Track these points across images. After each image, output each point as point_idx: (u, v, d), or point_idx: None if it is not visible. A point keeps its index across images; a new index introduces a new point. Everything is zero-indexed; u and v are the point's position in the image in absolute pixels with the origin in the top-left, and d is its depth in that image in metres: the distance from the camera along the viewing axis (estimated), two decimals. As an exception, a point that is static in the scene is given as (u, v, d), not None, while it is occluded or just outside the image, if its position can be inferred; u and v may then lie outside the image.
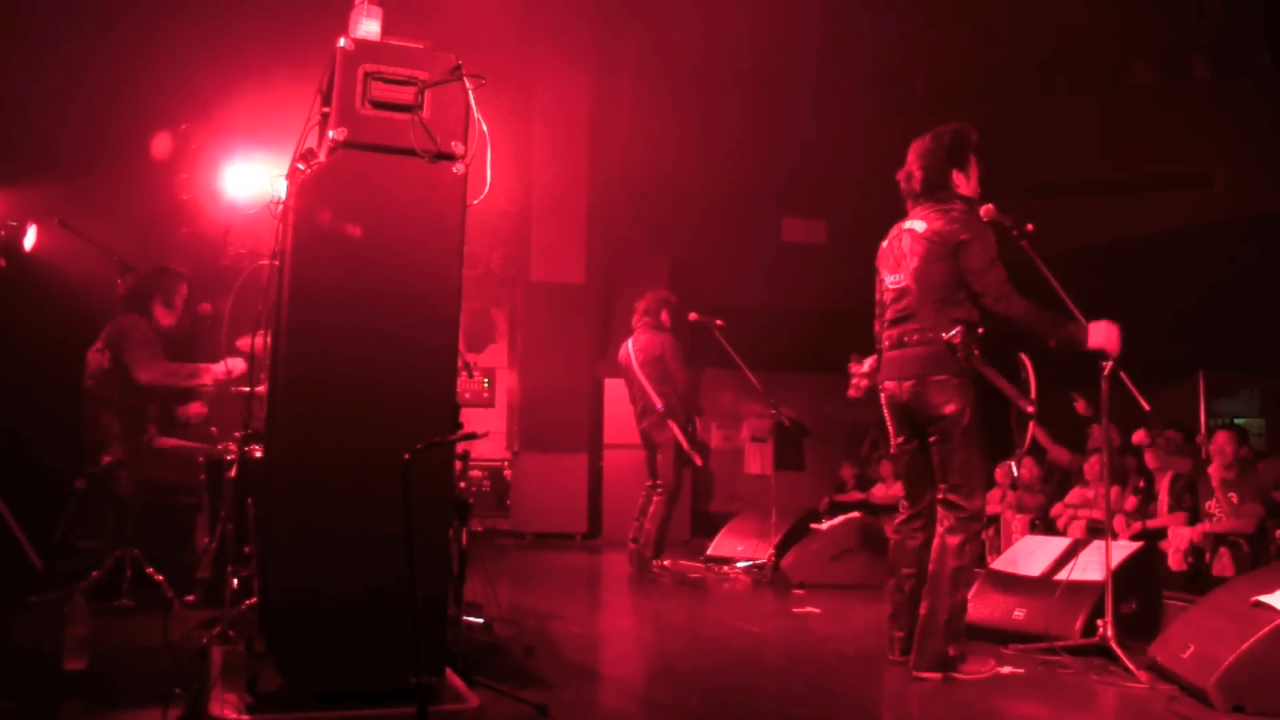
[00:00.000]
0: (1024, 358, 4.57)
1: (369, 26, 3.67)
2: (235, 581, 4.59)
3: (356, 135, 3.49)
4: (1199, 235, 11.39)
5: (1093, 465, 8.67)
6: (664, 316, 8.15)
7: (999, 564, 5.98)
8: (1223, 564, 7.39)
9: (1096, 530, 7.57)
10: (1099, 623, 4.84)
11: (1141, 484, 8.52)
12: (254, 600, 4.09)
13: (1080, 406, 9.14)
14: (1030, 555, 5.83)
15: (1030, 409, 4.40)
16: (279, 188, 3.93)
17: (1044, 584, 5.47)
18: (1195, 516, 7.81)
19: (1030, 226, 4.73)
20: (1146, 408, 5.28)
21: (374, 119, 3.52)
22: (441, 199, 3.57)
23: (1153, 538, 7.65)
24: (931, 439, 4.51)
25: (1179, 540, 7.71)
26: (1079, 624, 5.07)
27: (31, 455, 6.53)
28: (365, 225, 3.51)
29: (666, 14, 11.50)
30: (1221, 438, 7.79)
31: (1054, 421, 9.78)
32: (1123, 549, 5.57)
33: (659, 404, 7.89)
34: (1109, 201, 12.14)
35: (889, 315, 4.67)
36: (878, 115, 12.51)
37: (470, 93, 3.60)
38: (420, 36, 3.73)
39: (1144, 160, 12.09)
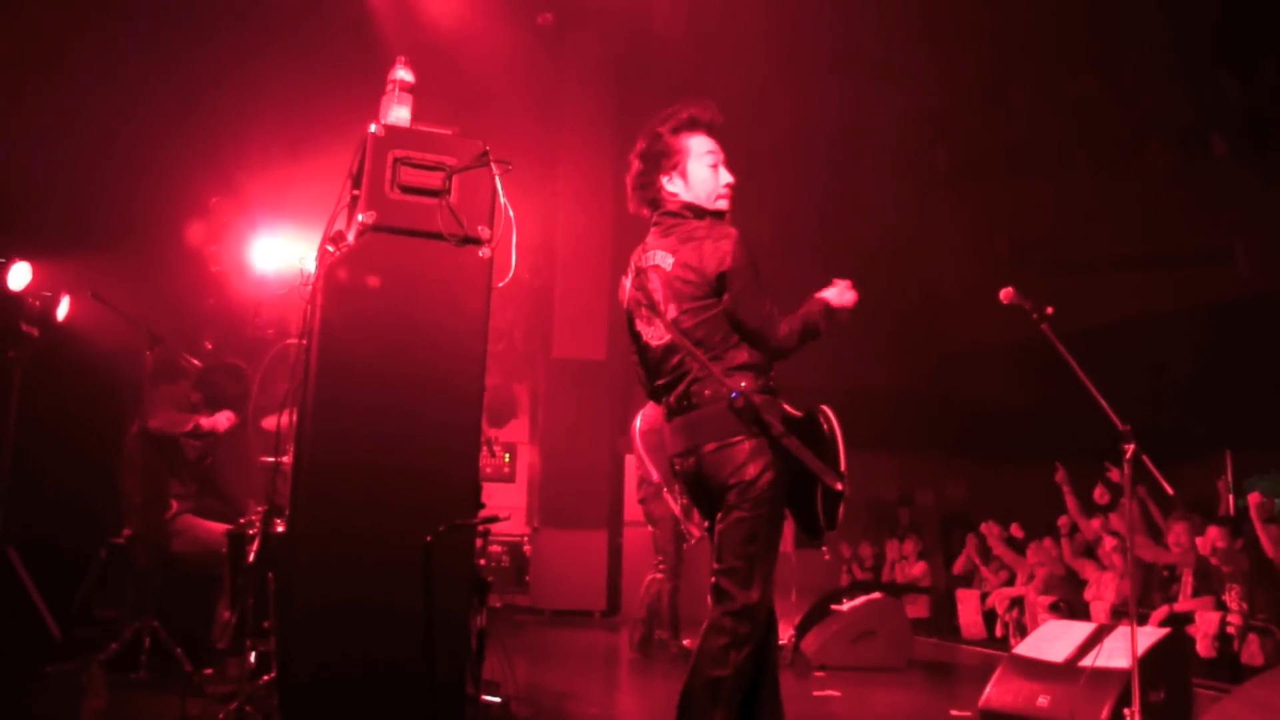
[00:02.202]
0: (827, 410, 3.65)
1: (399, 113, 3.76)
2: (253, 656, 4.59)
3: (385, 219, 3.56)
4: (1221, 312, 11.37)
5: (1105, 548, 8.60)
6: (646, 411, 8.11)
7: (1022, 649, 5.91)
8: (1251, 651, 7.27)
9: (1121, 613, 7.49)
10: (1126, 712, 4.75)
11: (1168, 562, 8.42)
12: (272, 675, 4.09)
13: (1116, 475, 9.05)
14: (1054, 640, 5.76)
15: (838, 485, 3.42)
16: (308, 263, 4.00)
17: (1068, 670, 5.39)
18: (1223, 601, 7.71)
19: (1050, 310, 4.71)
20: (1170, 491, 5.24)
21: (402, 203, 3.59)
22: (467, 282, 3.63)
23: (1180, 622, 7.55)
24: (719, 513, 3.54)
25: (1207, 626, 7.60)
26: (1105, 713, 4.98)
27: (56, 522, 6.57)
28: (392, 307, 3.56)
29: (686, 92, 11.67)
30: (1214, 532, 7.73)
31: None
32: (1149, 635, 5.49)
33: (655, 475, 7.80)
34: (1130, 278, 12.15)
35: (660, 379, 3.69)
36: (898, 190, 12.62)
37: (497, 178, 3.68)
38: (447, 119, 3.82)
39: (1165, 237, 12.11)
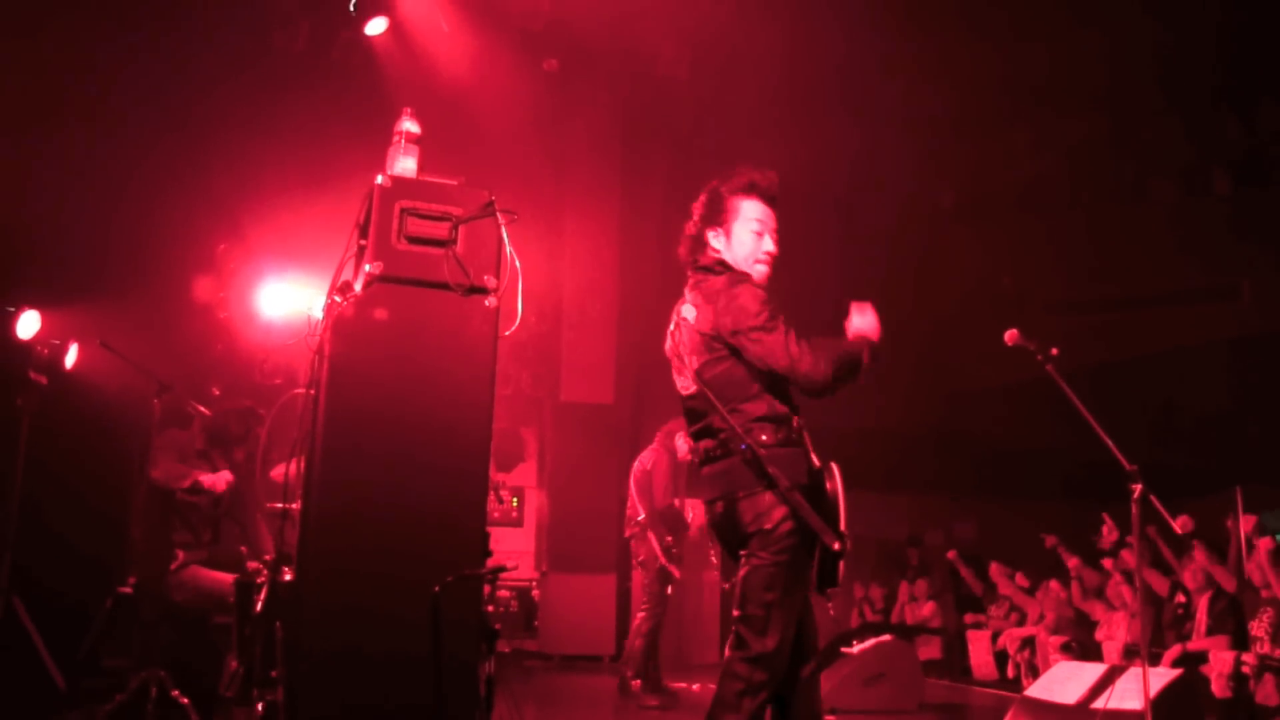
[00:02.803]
0: (834, 467, 3.68)
1: (405, 164, 3.80)
2: (261, 706, 4.56)
3: (392, 269, 3.58)
4: (1229, 349, 11.38)
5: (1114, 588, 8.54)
6: (681, 440, 8.04)
7: (1034, 690, 5.88)
8: (1267, 691, 7.19)
9: (1134, 653, 7.42)
10: (1139, 754, 4.72)
11: (1181, 598, 8.35)
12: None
13: (1107, 532, 9.02)
14: (1066, 682, 5.73)
15: (836, 545, 3.42)
16: (316, 311, 4.02)
17: (1080, 712, 5.36)
18: (1240, 639, 7.63)
19: (1055, 351, 4.71)
20: (1179, 530, 5.23)
21: (409, 253, 3.61)
22: (474, 331, 3.64)
23: (1193, 661, 7.49)
24: (740, 560, 3.63)
25: (1221, 665, 7.52)
26: (1118, 755, 4.96)
27: (62, 571, 6.56)
28: (399, 357, 3.58)
29: (692, 138, 11.77)
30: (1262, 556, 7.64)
31: (1081, 541, 9.71)
32: (1161, 676, 5.47)
33: (642, 514, 7.85)
34: (1136, 317, 12.16)
35: (692, 429, 3.84)
36: (903, 230, 12.66)
37: (503, 227, 3.70)
38: (454, 168, 3.86)
39: (1171, 275, 12.13)
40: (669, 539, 7.81)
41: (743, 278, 3.72)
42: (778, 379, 3.61)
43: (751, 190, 3.85)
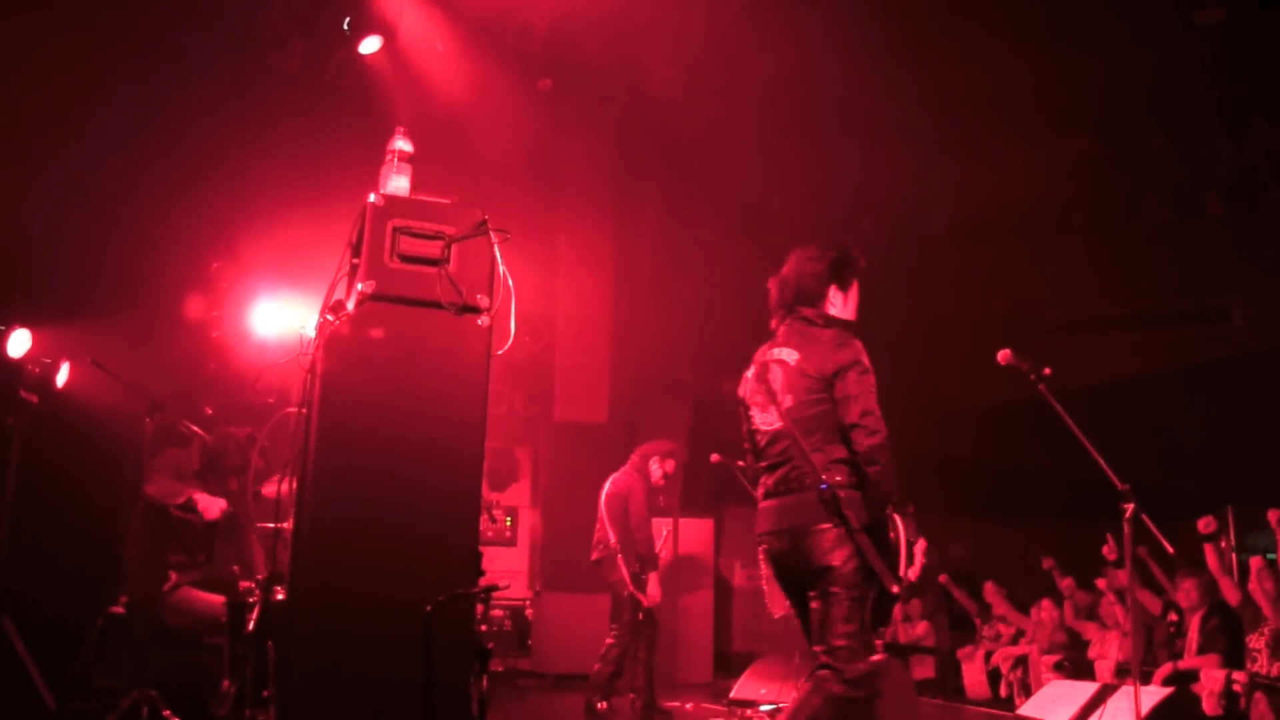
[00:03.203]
0: (897, 517, 3.95)
1: (398, 182, 3.81)
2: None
3: (384, 288, 3.60)
4: (1220, 370, 11.41)
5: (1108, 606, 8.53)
6: (655, 465, 8.06)
7: (1027, 709, 5.88)
8: (1260, 710, 7.19)
9: (1125, 671, 7.41)
10: (1131, 774, 4.72)
11: (1174, 617, 8.35)
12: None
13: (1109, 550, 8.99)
14: (1058, 701, 5.73)
15: (895, 589, 3.78)
16: (309, 329, 4.02)
17: (1073, 732, 5.36)
18: (1231, 657, 7.63)
19: (1048, 371, 4.73)
20: (1170, 550, 5.24)
21: (402, 272, 3.63)
22: (466, 350, 3.66)
23: (1184, 680, 7.48)
24: (811, 594, 3.93)
25: (1212, 683, 7.52)
26: (1111, 775, 4.96)
27: (53, 591, 6.53)
28: (391, 376, 3.59)
29: (687, 158, 11.80)
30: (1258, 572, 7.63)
31: (1074, 560, 9.71)
32: (1153, 695, 5.47)
33: (613, 538, 7.75)
34: (1128, 338, 12.20)
35: (764, 462, 4.12)
36: (897, 252, 12.68)
37: (496, 246, 3.71)
38: (447, 187, 3.87)
39: (1162, 296, 12.18)
40: (637, 567, 7.72)
41: (850, 336, 4.05)
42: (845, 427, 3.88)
43: (861, 274, 4.33)
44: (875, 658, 7.96)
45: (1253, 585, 7.56)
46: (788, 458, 3.97)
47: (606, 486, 8.03)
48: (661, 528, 8.55)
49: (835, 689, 3.76)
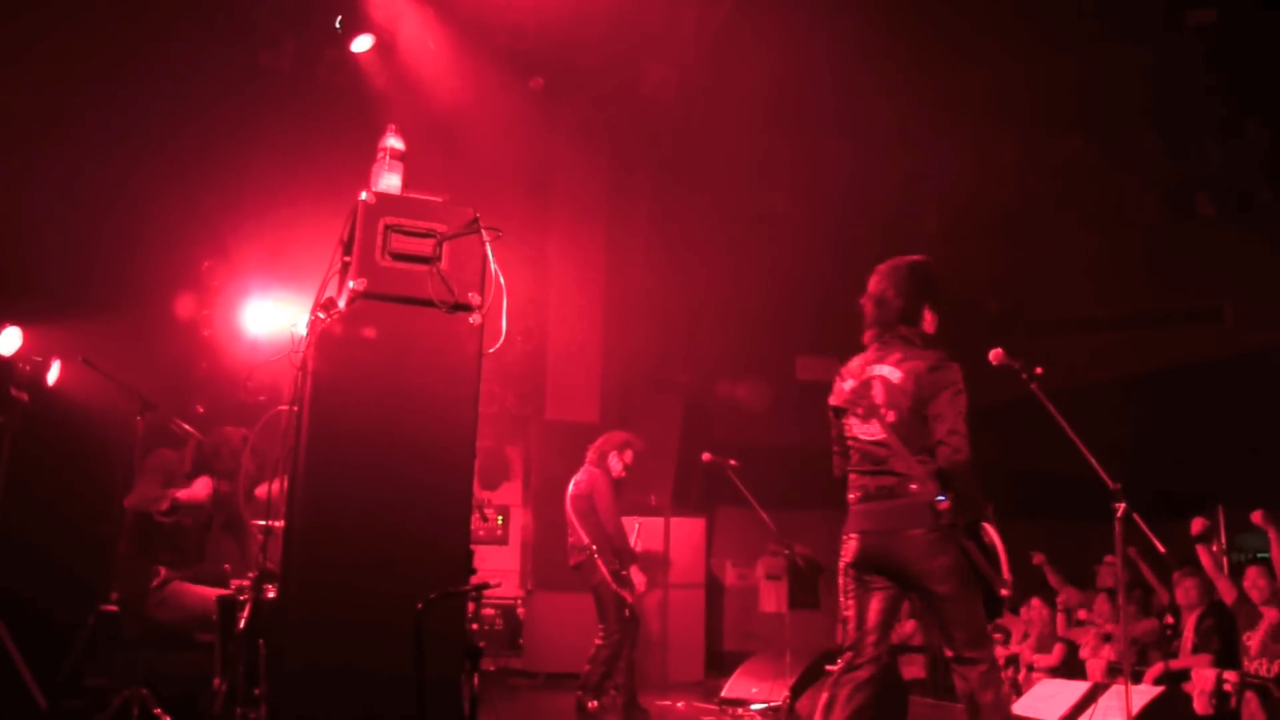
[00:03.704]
0: (988, 526, 4.29)
1: (390, 180, 3.81)
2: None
3: (376, 286, 3.60)
4: (1211, 370, 11.43)
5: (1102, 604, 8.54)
6: (614, 458, 7.96)
7: (1018, 708, 5.89)
8: (1251, 710, 7.20)
9: (1117, 671, 7.43)
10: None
11: (1170, 620, 8.37)
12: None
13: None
14: (1049, 699, 5.75)
15: (1005, 592, 4.17)
16: (300, 328, 4.02)
17: (1064, 730, 5.37)
18: (1224, 657, 7.65)
19: (1040, 370, 4.75)
20: (1161, 549, 5.26)
21: (393, 270, 3.63)
22: (458, 348, 3.65)
23: (1175, 679, 7.50)
24: (917, 594, 4.30)
25: (1204, 682, 7.54)
26: (1101, 773, 4.96)
27: (43, 590, 6.51)
28: (383, 373, 3.58)
29: (679, 158, 11.80)
30: (1253, 572, 7.66)
31: (1065, 560, 9.73)
32: (1144, 694, 5.49)
33: (586, 538, 7.68)
34: (1119, 338, 12.21)
35: (864, 466, 4.37)
36: (889, 252, 12.69)
37: (487, 244, 3.71)
38: (438, 185, 3.87)
39: (1153, 296, 12.20)
40: (616, 564, 7.69)
41: (949, 361, 4.30)
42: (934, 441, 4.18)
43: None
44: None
45: (1248, 584, 7.59)
46: (889, 466, 4.23)
47: (570, 489, 7.93)
48: (634, 523, 8.51)
49: (989, 677, 4.09)
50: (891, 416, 4.26)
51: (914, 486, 4.16)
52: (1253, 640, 7.48)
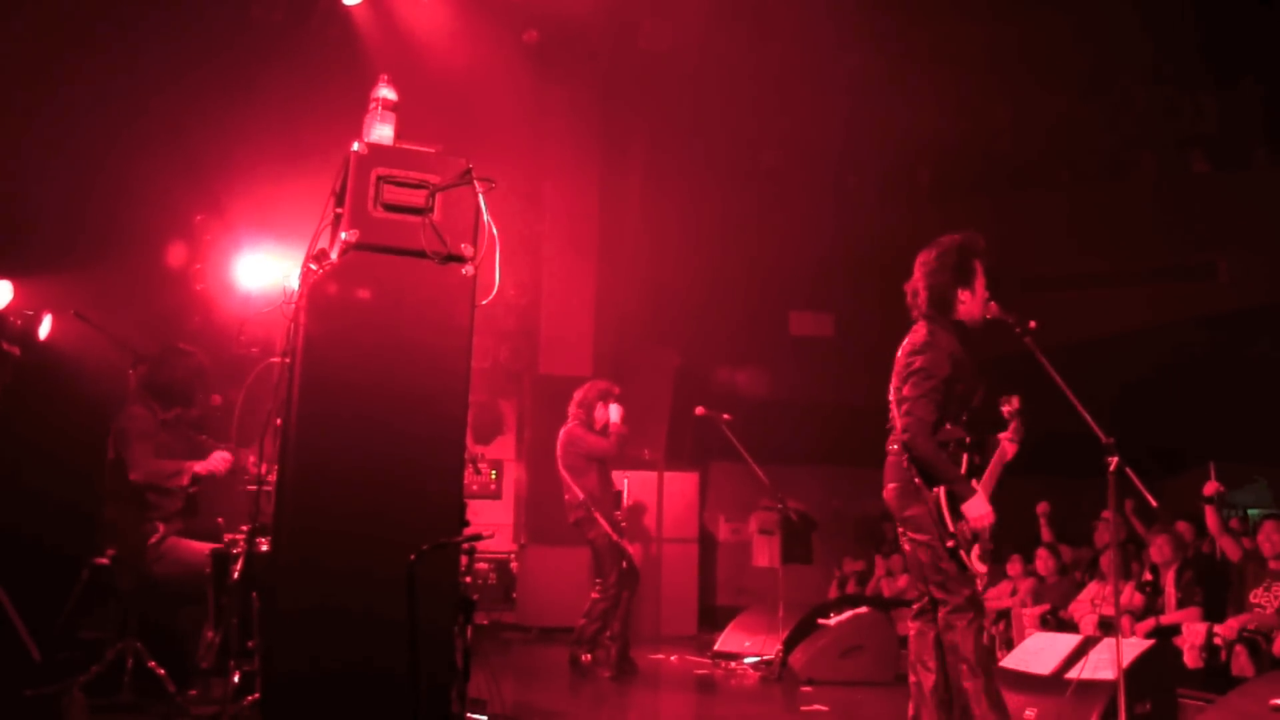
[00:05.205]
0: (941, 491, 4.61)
1: (382, 131, 3.77)
2: (237, 676, 4.56)
3: (368, 237, 3.57)
4: (1204, 327, 11.44)
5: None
6: (597, 410, 7.88)
7: (1009, 661, 5.92)
8: (1241, 663, 7.26)
9: (1108, 626, 7.48)
10: (1112, 723, 4.77)
11: (1149, 577, 8.42)
12: (256, 696, 4.06)
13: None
14: (1040, 652, 5.77)
15: (950, 543, 4.41)
16: (292, 281, 4.00)
17: (1055, 682, 5.41)
18: (1210, 610, 7.70)
19: (1033, 324, 4.73)
20: (1154, 504, 5.25)
21: (386, 221, 3.60)
22: (451, 299, 3.64)
23: (1166, 634, 7.55)
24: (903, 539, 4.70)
25: (1194, 636, 7.59)
26: (1091, 724, 5.00)
27: (40, 543, 6.51)
28: (375, 325, 3.57)
29: (673, 112, 11.73)
30: (1269, 526, 7.68)
31: (1063, 515, 9.76)
32: (1134, 647, 5.51)
33: (580, 494, 7.65)
34: (1113, 294, 12.20)
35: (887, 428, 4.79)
36: (883, 208, 12.65)
37: (480, 196, 3.68)
38: (432, 138, 3.83)
39: (1148, 253, 12.17)
40: (616, 514, 7.68)
41: (931, 328, 4.60)
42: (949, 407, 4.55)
43: (983, 254, 4.77)
44: (861, 610, 8.05)
45: (1261, 538, 7.61)
46: (891, 427, 4.64)
47: (558, 448, 7.91)
48: (622, 479, 8.48)
49: (954, 621, 4.35)
50: (895, 381, 4.64)
51: (894, 447, 4.58)
52: (1262, 596, 7.48)
